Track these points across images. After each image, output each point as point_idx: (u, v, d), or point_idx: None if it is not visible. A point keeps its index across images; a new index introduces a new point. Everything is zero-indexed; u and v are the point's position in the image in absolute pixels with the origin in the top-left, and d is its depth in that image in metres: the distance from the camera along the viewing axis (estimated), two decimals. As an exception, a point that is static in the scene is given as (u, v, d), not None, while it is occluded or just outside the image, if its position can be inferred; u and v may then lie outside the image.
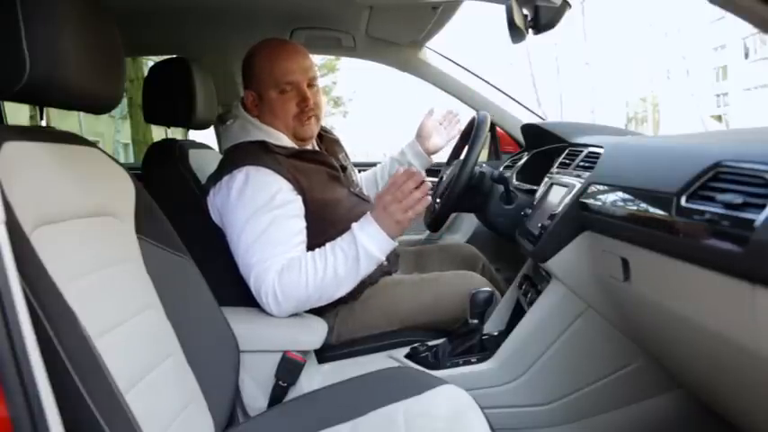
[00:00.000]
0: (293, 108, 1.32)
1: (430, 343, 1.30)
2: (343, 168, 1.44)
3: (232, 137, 1.34)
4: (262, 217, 1.18)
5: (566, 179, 1.16)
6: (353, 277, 1.17)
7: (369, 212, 1.16)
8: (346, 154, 1.56)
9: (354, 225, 1.17)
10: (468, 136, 1.47)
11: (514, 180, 1.55)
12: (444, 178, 1.64)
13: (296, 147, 1.33)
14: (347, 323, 1.32)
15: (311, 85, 1.34)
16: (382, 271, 1.38)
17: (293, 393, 1.15)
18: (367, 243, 1.14)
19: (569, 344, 1.14)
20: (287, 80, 1.30)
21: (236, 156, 1.26)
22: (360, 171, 1.74)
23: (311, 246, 1.23)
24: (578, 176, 1.11)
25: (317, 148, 1.44)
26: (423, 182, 1.13)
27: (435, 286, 1.36)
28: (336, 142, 1.54)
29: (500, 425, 0.95)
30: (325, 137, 1.50)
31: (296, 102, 1.31)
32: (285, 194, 1.22)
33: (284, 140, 1.32)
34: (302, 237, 1.23)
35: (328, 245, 1.18)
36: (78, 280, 0.75)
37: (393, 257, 1.45)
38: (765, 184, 0.58)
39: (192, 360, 0.95)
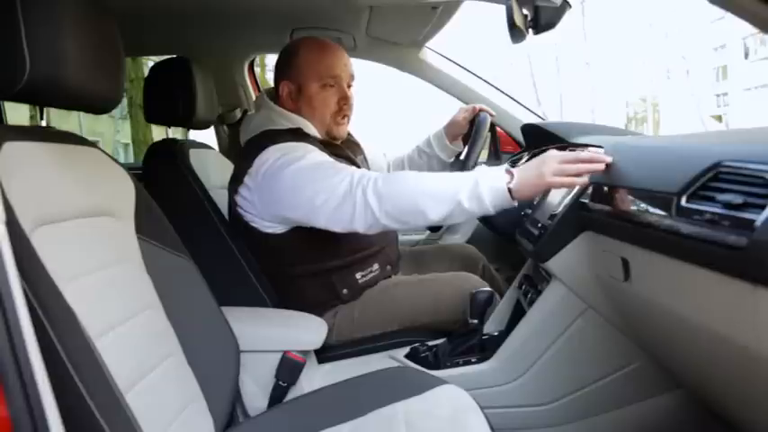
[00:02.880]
0: (333, 105, 1.33)
1: (430, 343, 1.30)
2: None
3: (256, 126, 1.32)
4: (309, 155, 1.17)
5: (566, 179, 1.16)
6: (444, 206, 1.03)
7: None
8: (365, 158, 1.56)
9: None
10: (469, 136, 1.47)
11: (515, 180, 1.55)
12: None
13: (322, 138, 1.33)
14: (347, 323, 1.32)
15: (350, 85, 1.36)
16: (383, 275, 1.38)
17: (293, 393, 1.15)
18: (483, 179, 1.02)
19: (569, 344, 1.14)
20: (332, 74, 1.31)
21: (266, 139, 1.24)
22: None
23: (319, 239, 1.21)
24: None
25: None
26: (601, 165, 0.98)
27: (434, 287, 1.35)
28: (357, 145, 1.54)
29: (500, 425, 0.95)
30: (345, 139, 1.50)
31: (336, 99, 1.33)
32: (319, 152, 1.22)
33: (312, 131, 1.32)
34: None
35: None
36: (78, 280, 0.74)
37: (394, 259, 1.45)
38: (765, 185, 0.58)
39: (192, 360, 0.95)
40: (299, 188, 1.13)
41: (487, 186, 1.01)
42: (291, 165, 1.15)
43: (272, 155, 1.19)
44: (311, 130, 1.32)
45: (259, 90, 2.23)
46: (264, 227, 1.26)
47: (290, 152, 1.18)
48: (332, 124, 1.34)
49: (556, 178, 0.99)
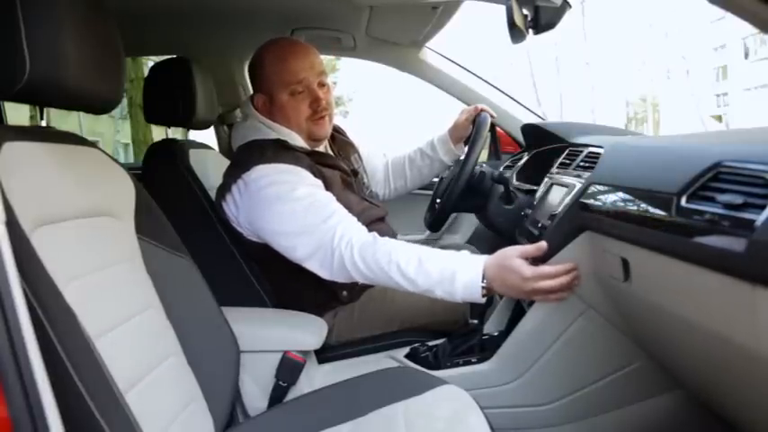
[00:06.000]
0: (306, 109, 1.30)
1: (430, 343, 1.30)
2: (355, 173, 1.44)
3: (244, 135, 1.32)
4: (298, 190, 1.16)
5: (566, 179, 1.16)
6: (415, 290, 1.08)
7: (489, 257, 1.05)
8: (359, 156, 1.55)
9: (466, 252, 1.10)
10: (469, 136, 1.47)
11: (514, 180, 1.55)
12: (444, 178, 1.64)
13: (309, 148, 1.32)
14: (347, 324, 1.32)
15: (322, 83, 1.32)
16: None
17: (293, 393, 1.15)
18: (461, 273, 1.03)
19: (569, 344, 1.14)
20: (297, 79, 1.28)
21: (254, 152, 1.24)
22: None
23: None
24: (578, 176, 1.10)
25: (329, 151, 1.43)
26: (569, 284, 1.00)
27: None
28: (350, 145, 1.53)
29: (500, 425, 0.94)
30: (338, 138, 1.50)
31: (308, 103, 1.30)
32: (311, 179, 1.21)
33: (298, 140, 1.31)
34: None
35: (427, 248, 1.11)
36: (78, 280, 0.75)
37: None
38: (765, 185, 0.58)
39: (192, 360, 0.95)
40: (285, 226, 1.16)
41: (462, 284, 1.03)
42: (279, 203, 1.15)
43: (260, 179, 1.18)
44: (296, 139, 1.30)
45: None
46: (249, 235, 1.26)
47: (279, 183, 1.17)
48: (310, 127, 1.32)
49: (538, 297, 1.02)
